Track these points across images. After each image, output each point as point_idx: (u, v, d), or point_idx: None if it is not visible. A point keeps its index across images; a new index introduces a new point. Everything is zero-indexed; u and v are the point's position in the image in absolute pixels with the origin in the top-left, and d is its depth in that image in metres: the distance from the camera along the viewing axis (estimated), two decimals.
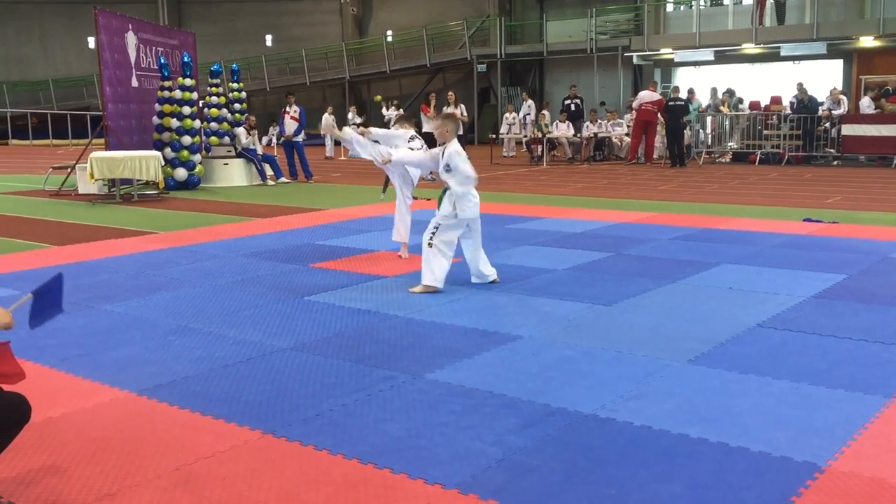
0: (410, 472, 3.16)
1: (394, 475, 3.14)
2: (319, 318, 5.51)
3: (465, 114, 16.15)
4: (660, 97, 19.26)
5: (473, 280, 6.43)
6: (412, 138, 7.42)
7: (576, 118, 21.08)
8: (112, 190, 13.27)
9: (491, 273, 6.42)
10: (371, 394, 4.04)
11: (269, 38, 34.17)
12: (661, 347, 4.71)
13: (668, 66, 27.22)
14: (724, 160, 19.99)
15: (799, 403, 3.82)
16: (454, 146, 6.21)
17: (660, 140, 19.74)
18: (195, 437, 3.55)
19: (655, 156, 19.52)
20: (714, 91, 21.01)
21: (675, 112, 18.43)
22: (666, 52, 25.84)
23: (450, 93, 16.54)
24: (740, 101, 21.00)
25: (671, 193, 13.09)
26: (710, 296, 5.96)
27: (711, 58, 25.19)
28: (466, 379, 4.22)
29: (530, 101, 21.93)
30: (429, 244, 6.19)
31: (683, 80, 25.75)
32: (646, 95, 19.15)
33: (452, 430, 3.56)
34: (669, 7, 27.75)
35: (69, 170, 14.65)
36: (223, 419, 3.74)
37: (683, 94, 19.78)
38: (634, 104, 19.55)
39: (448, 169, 6.14)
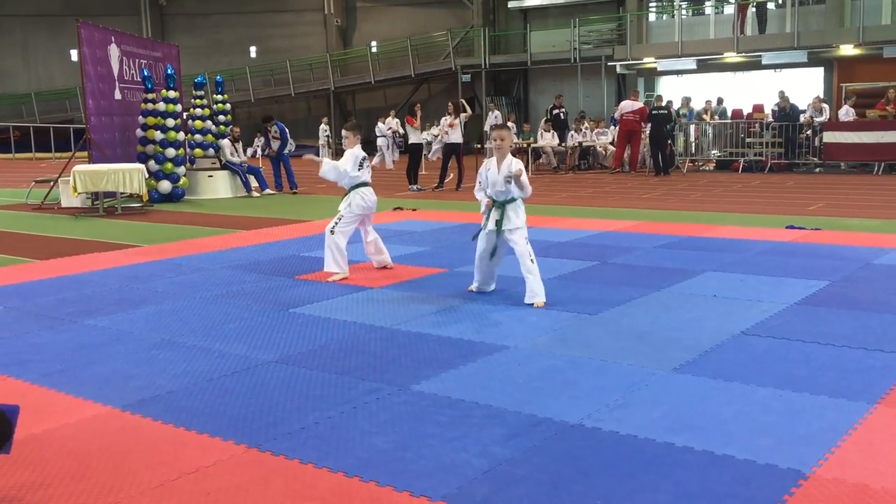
0: (396, 484, 3.15)
1: (379, 488, 3.13)
2: (304, 330, 5.49)
3: (464, 122, 16.21)
4: (642, 105, 19.38)
5: (474, 288, 6.46)
6: (363, 162, 7.34)
7: (561, 128, 21.16)
8: (95, 203, 13.20)
9: (537, 292, 6.17)
10: (357, 406, 4.03)
11: (253, 49, 34.16)
12: (647, 356, 4.72)
13: (652, 75, 27.39)
14: (707, 168, 20.11)
15: (783, 410, 3.84)
16: (515, 159, 6.12)
17: (644, 148, 19.86)
18: (179, 453, 3.53)
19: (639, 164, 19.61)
20: (687, 100, 21.13)
21: (659, 121, 18.54)
22: (649, 62, 26.01)
23: (450, 102, 16.57)
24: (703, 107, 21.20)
25: (655, 202, 13.15)
26: (695, 304, 5.99)
27: (694, 66, 25.37)
28: (452, 390, 4.22)
29: (497, 112, 22.14)
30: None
31: (667, 89, 25.92)
32: (627, 105, 19.25)
33: (438, 442, 3.55)
34: (652, 17, 27.94)
35: (52, 183, 14.57)
36: (207, 433, 3.72)
37: (677, 104, 19.90)
38: (616, 114, 19.65)
39: (510, 179, 6.00)
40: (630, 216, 11.15)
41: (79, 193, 12.60)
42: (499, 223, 6.07)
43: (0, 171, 24.57)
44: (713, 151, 20.04)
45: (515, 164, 6.03)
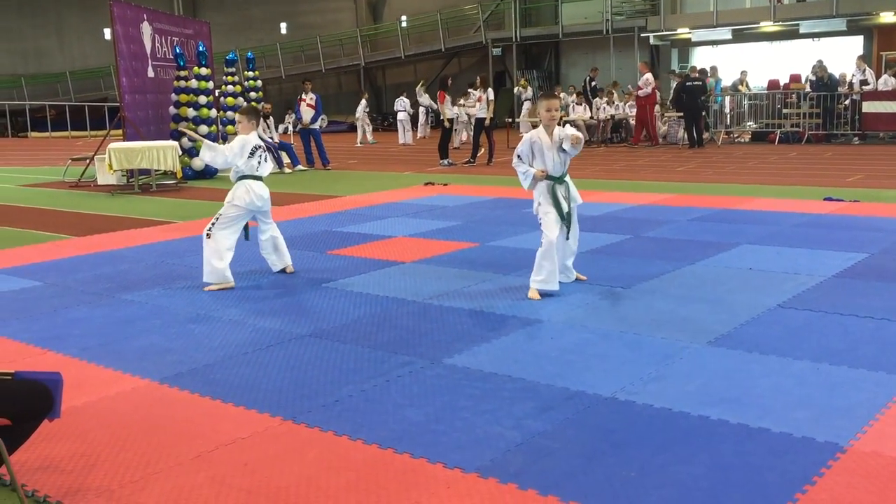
0: (429, 456, 3.17)
1: (413, 460, 3.15)
2: (337, 304, 5.53)
3: (492, 98, 16.08)
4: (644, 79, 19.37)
5: (537, 293, 5.55)
6: (254, 150, 6.34)
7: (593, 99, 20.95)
8: (130, 180, 13.35)
9: (574, 270, 5.92)
10: (390, 379, 4.05)
11: (283, 25, 34.16)
12: (681, 329, 4.69)
13: (686, 46, 26.93)
14: (743, 140, 19.80)
15: (820, 384, 3.79)
16: (561, 127, 5.67)
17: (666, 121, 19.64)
18: (216, 425, 3.58)
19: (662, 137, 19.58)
20: (713, 70, 20.68)
21: (693, 92, 18.25)
22: (683, 32, 25.57)
23: (478, 77, 16.46)
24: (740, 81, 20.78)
25: (689, 174, 12.99)
26: (730, 277, 5.92)
27: (729, 37, 24.91)
28: (485, 363, 4.22)
29: (524, 89, 22.06)
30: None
31: (701, 59, 25.48)
32: (651, 77, 19.21)
33: (471, 415, 3.56)
34: None
35: (88, 161, 14.75)
36: (243, 406, 3.77)
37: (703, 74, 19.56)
38: (648, 89, 19.30)
39: (563, 148, 5.58)
40: (663, 189, 11.03)
41: (114, 171, 12.75)
42: (567, 200, 5.66)
43: (37, 149, 24.93)
44: (749, 123, 19.71)
45: (571, 130, 5.60)
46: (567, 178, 5.73)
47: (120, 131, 14.49)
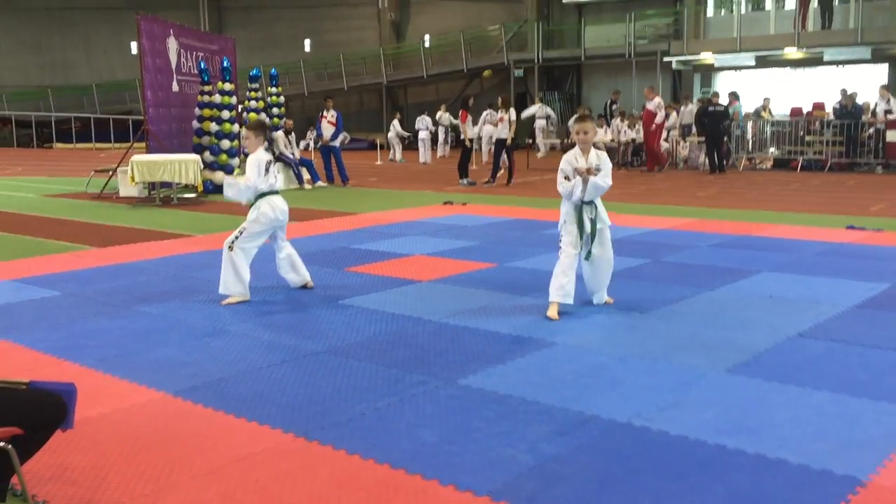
0: (441, 478, 3.14)
1: (425, 481, 3.13)
2: (353, 321, 5.52)
3: (514, 118, 16.10)
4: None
5: (555, 312, 5.58)
6: (268, 166, 6.33)
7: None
8: (152, 193, 13.46)
9: (605, 294, 5.90)
10: (404, 398, 4.03)
11: (307, 43, 34.47)
12: (699, 356, 4.64)
13: (708, 71, 26.92)
14: (765, 166, 19.69)
15: (840, 415, 3.73)
16: (598, 151, 5.66)
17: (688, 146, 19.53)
18: (229, 439, 3.57)
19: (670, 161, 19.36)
20: (734, 95, 20.51)
21: (715, 118, 18.20)
22: (706, 57, 25.56)
23: (500, 97, 16.50)
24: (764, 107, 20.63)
25: (710, 200, 12.92)
26: (750, 304, 5.86)
27: (753, 63, 24.87)
28: (500, 385, 4.19)
29: (540, 106, 22.07)
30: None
31: (724, 85, 25.45)
32: (661, 101, 19.08)
33: (485, 437, 3.53)
34: (710, 11, 27.45)
35: (111, 173, 14.90)
36: (256, 421, 3.76)
37: (724, 100, 19.51)
38: (663, 113, 19.13)
39: (598, 172, 5.55)
40: (683, 214, 10.97)
41: (136, 183, 12.87)
42: (593, 222, 5.66)
43: (61, 160, 25.22)
44: (771, 149, 19.61)
45: (605, 158, 5.60)
46: (597, 200, 5.70)
47: (143, 144, 14.63)
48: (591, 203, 5.66)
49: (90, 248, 8.72)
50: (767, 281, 6.61)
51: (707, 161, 18.70)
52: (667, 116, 20.84)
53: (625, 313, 5.64)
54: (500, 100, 16.27)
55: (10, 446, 2.60)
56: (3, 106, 33.42)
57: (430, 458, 3.32)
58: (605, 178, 5.56)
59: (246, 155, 15.40)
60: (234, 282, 6.10)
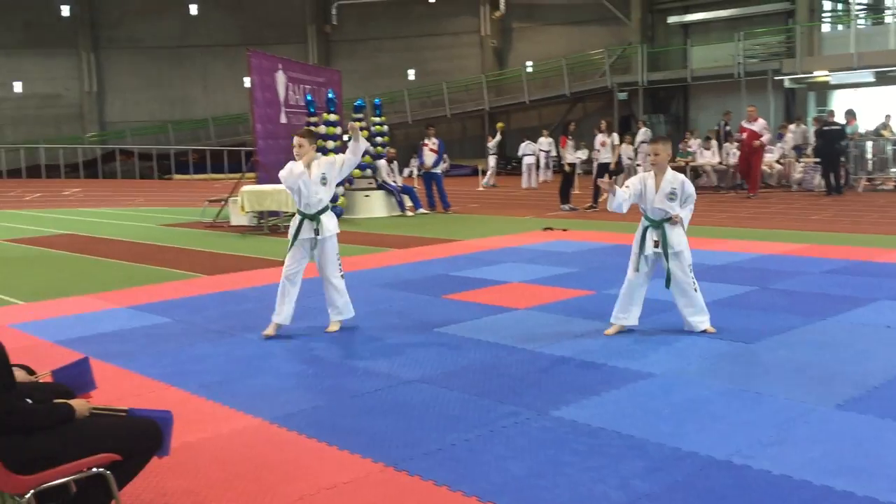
0: None
1: None
2: (448, 350, 5.52)
3: (616, 143, 15.90)
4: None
5: (612, 330, 5.79)
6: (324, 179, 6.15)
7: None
8: (261, 222, 13.92)
9: (699, 321, 5.72)
10: (494, 430, 3.99)
11: (411, 72, 35.10)
12: (807, 390, 4.41)
13: (824, 89, 25.86)
14: (886, 188, 18.70)
15: None
16: (677, 174, 5.69)
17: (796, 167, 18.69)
18: (319, 467, 3.62)
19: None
20: (851, 113, 19.52)
21: (830, 137, 17.42)
22: (820, 75, 24.58)
23: (602, 121, 16.35)
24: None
25: (825, 223, 12.36)
26: (865, 335, 5.54)
27: (872, 79, 23.73)
28: (593, 417, 4.10)
29: (646, 129, 21.52)
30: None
31: (840, 103, 24.38)
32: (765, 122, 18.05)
33: (575, 471, 3.45)
34: (825, 28, 26.41)
35: (223, 202, 15.50)
36: (347, 450, 3.79)
37: (840, 119, 18.68)
38: (768, 135, 18.27)
39: (673, 197, 5.61)
40: (795, 239, 10.52)
41: (246, 212, 13.34)
42: (659, 244, 5.62)
43: (179, 190, 26.44)
44: (893, 170, 18.61)
45: (680, 182, 5.60)
46: (666, 225, 5.63)
47: (253, 175, 15.17)
48: (658, 226, 5.62)
49: (201, 276, 9.08)
50: (885, 310, 6.24)
51: (823, 182, 17.91)
52: (780, 137, 20.12)
53: (728, 343, 5.43)
54: (602, 123, 16.08)
55: (108, 472, 2.71)
56: (128, 140, 35.39)
57: (518, 492, 3.27)
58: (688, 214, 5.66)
59: (351, 182, 15.71)
60: (347, 304, 6.26)
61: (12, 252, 11.76)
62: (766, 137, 17.79)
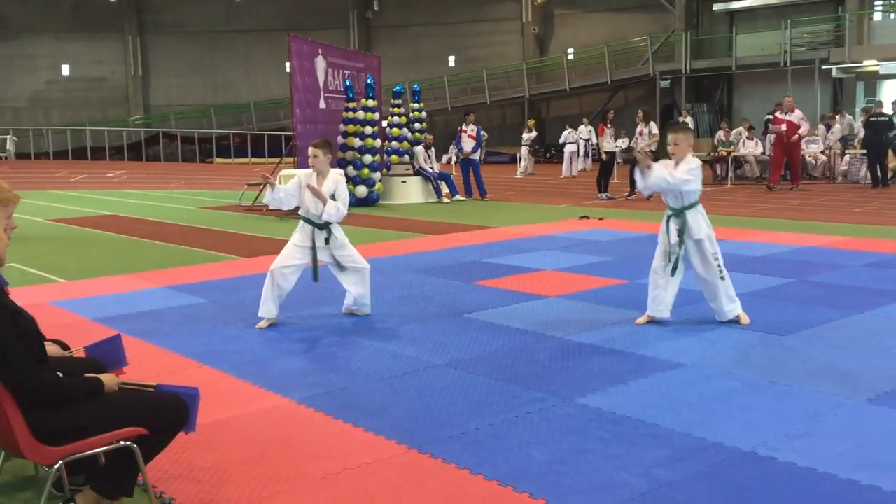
0: (549, 498, 3.09)
1: (532, 500, 3.09)
2: (477, 335, 5.54)
3: (654, 132, 15.71)
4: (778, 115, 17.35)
5: (644, 319, 5.75)
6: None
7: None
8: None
9: (727, 310, 5.62)
10: (519, 415, 4.00)
11: (451, 58, 35.01)
12: (838, 383, 4.35)
13: (873, 79, 25.27)
14: None
15: None
16: (693, 159, 5.55)
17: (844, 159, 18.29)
18: (344, 448, 3.66)
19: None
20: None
21: (878, 128, 17.04)
22: (870, 65, 24.01)
23: (640, 110, 16.19)
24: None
25: (869, 216, 12.11)
26: None
27: None
28: (618, 405, 4.09)
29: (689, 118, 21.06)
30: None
31: (889, 93, 23.81)
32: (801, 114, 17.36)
33: (598, 458, 3.45)
34: (877, 16, 25.78)
35: (262, 187, 15.65)
36: (373, 431, 3.83)
37: (888, 109, 18.24)
38: (806, 125, 17.74)
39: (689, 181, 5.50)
40: (837, 231, 10.33)
41: None
42: (681, 233, 5.60)
43: (220, 174, 26.77)
44: None
45: (687, 164, 5.45)
46: (687, 212, 5.56)
47: (292, 159, 15.30)
48: (679, 214, 5.57)
49: (237, 258, 9.20)
50: None
51: (869, 174, 17.54)
52: (828, 128, 19.72)
53: (761, 335, 5.37)
54: (640, 112, 15.91)
55: (135, 445, 2.77)
56: (171, 124, 35.89)
57: (539, 478, 3.28)
58: (662, 171, 5.41)
59: (388, 168, 15.76)
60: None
61: (57, 232, 12.03)
62: (803, 129, 17.38)
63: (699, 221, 5.60)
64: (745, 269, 7.72)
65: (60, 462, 2.72)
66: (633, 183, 15.82)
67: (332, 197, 5.99)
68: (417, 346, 5.29)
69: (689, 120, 22.01)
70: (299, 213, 6.15)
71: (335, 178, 6.07)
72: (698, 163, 5.60)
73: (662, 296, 5.67)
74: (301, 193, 6.03)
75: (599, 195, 15.58)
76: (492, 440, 3.69)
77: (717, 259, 5.61)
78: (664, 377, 4.53)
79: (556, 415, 3.99)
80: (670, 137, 5.59)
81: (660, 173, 5.43)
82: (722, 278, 5.62)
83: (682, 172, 5.43)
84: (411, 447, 3.63)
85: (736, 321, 5.63)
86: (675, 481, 3.21)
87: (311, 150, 6.04)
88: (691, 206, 5.59)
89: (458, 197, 16.12)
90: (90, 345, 3.51)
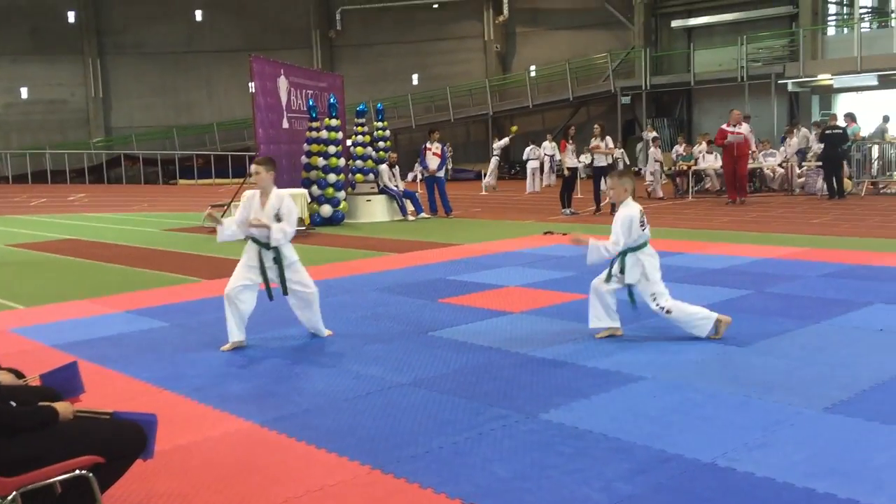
0: None
1: None
2: (441, 353, 5.54)
3: (611, 146, 15.90)
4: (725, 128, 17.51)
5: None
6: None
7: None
8: None
9: (696, 333, 5.61)
10: (482, 432, 4.01)
11: (415, 77, 35.16)
12: (796, 393, 4.42)
13: (827, 93, 25.84)
14: (890, 191, 18.67)
15: None
16: (630, 208, 5.61)
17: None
18: (307, 470, 3.64)
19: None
20: (851, 116, 19.36)
21: (833, 141, 17.41)
22: (824, 78, 24.56)
23: (596, 125, 16.37)
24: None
25: (825, 227, 12.35)
26: (857, 338, 5.55)
27: (875, 83, 23.71)
28: (581, 420, 4.12)
29: (653, 133, 21.33)
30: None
31: (843, 106, 24.35)
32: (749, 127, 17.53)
33: (559, 474, 3.47)
34: (830, 31, 26.39)
35: (225, 207, 15.55)
36: (336, 453, 3.82)
37: (842, 122, 18.66)
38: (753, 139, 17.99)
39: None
40: (794, 242, 10.51)
41: None
42: (621, 270, 5.64)
43: (183, 196, 26.54)
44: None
45: (620, 211, 5.62)
46: (627, 256, 5.65)
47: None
48: (622, 253, 5.64)
49: (200, 281, 9.12)
50: (879, 314, 6.24)
51: (825, 186, 17.90)
52: (783, 140, 20.10)
53: (720, 346, 5.44)
54: (596, 127, 16.10)
55: (90, 474, 2.74)
56: (133, 146, 35.52)
57: (502, 495, 3.29)
58: (599, 248, 5.66)
59: (353, 187, 15.72)
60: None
61: (15, 257, 11.84)
62: (752, 143, 17.64)
63: (635, 267, 5.63)
64: (705, 281, 7.83)
65: (15, 493, 2.67)
66: (597, 199, 16.00)
67: (278, 216, 5.85)
68: (381, 366, 5.28)
69: (653, 134, 22.33)
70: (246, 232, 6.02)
71: (279, 195, 5.94)
72: (634, 212, 5.58)
73: (611, 302, 5.72)
74: (247, 214, 5.91)
75: (563, 210, 15.71)
76: (455, 458, 3.70)
77: (654, 300, 5.63)
78: (626, 390, 4.58)
79: (519, 431, 4.01)
80: (608, 182, 5.81)
81: (597, 253, 5.65)
82: (668, 312, 5.62)
83: (612, 238, 5.57)
84: (374, 467, 3.63)
85: (714, 332, 5.59)
86: (636, 494, 3.24)
87: (252, 168, 5.95)
88: (634, 249, 5.64)
89: (423, 215, 16.15)
90: (46, 373, 3.46)
